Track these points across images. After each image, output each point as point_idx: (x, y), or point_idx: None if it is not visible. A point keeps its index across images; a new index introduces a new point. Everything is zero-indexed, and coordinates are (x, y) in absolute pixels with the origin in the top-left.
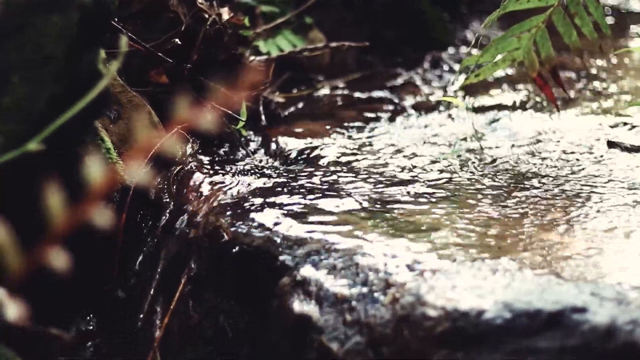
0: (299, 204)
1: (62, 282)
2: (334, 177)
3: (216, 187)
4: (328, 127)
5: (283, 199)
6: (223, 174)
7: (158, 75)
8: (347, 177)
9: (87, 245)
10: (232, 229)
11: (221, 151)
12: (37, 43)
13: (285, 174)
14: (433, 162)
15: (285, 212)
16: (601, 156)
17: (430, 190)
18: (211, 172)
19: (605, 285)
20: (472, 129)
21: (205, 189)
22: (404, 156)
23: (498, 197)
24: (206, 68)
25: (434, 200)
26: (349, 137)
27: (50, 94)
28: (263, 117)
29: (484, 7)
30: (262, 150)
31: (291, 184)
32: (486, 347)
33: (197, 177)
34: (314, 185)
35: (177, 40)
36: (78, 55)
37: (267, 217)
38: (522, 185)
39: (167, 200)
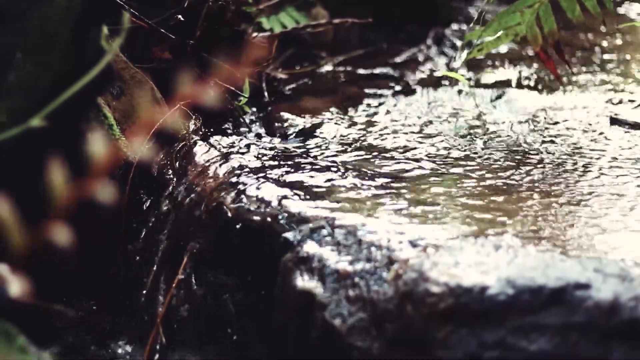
0: (302, 180)
1: (66, 259)
2: (337, 153)
3: (219, 164)
4: (331, 103)
5: (286, 175)
6: (226, 151)
7: (161, 52)
8: (350, 153)
9: (91, 222)
10: (235, 206)
11: (224, 127)
12: (42, 21)
13: (288, 151)
14: (436, 138)
15: (288, 188)
16: (604, 133)
17: (433, 166)
18: (214, 148)
19: (608, 261)
20: (475, 105)
21: (208, 165)
22: (407, 132)
23: (501, 173)
24: (209, 44)
25: (437, 176)
26: (352, 114)
27: (56, 71)
28: (266, 94)
29: None
30: (265, 127)
31: (294, 160)
32: (490, 324)
33: (200, 153)
34: (317, 162)
35: (180, 16)
36: (83, 33)
37: (270, 193)
38: (525, 162)
39: (170, 176)
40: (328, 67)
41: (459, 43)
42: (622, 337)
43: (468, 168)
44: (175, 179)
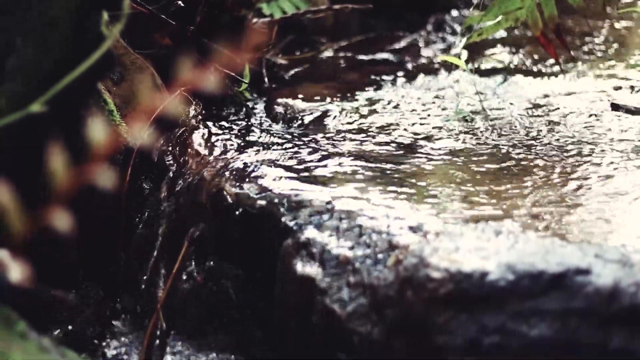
0: (303, 165)
1: (67, 250)
2: (337, 138)
3: (219, 149)
4: (331, 89)
5: (286, 161)
6: (226, 136)
7: (161, 38)
8: (350, 138)
9: (92, 210)
10: (236, 192)
11: (224, 113)
12: (43, 6)
13: (289, 136)
14: (437, 123)
15: (289, 174)
16: (605, 118)
17: (434, 151)
18: (214, 134)
19: (609, 247)
20: (475, 90)
21: (209, 151)
22: (407, 118)
23: (502, 159)
24: (209, 30)
25: (437, 161)
26: (352, 99)
27: (56, 57)
28: (266, 80)
29: None
30: (266, 113)
31: (294, 146)
32: (490, 309)
33: (200, 139)
34: (317, 147)
35: (180, 2)
36: (84, 19)
37: (270, 179)
38: (526, 147)
39: (171, 162)
40: (328, 53)
41: (459, 29)
42: (622, 322)
43: (468, 153)
44: (175, 165)
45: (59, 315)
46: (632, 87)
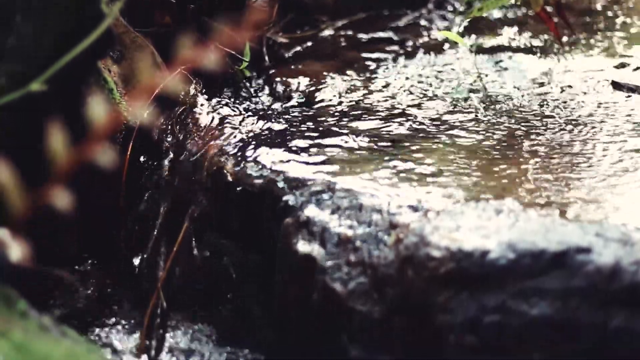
0: (303, 144)
1: (67, 221)
2: (338, 117)
3: (220, 128)
4: (332, 67)
5: (287, 139)
6: (226, 115)
7: (162, 16)
8: (351, 117)
9: (92, 186)
10: (236, 170)
11: (224, 92)
12: None
13: (289, 114)
14: (437, 102)
15: (289, 152)
16: (606, 97)
17: (434, 130)
18: (214, 112)
19: (610, 226)
20: (475, 68)
21: (209, 130)
22: (409, 96)
23: (502, 138)
24: (210, 8)
25: (438, 140)
26: (353, 78)
27: (56, 35)
28: (267, 58)
29: None
30: (266, 91)
31: (295, 124)
32: (491, 288)
33: (201, 117)
34: (318, 126)
35: None
36: None
37: (271, 157)
38: (526, 126)
39: (171, 140)
40: (329, 32)
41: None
42: (623, 302)
43: (468, 132)
44: (175, 143)
45: (59, 295)
46: (628, 64)
